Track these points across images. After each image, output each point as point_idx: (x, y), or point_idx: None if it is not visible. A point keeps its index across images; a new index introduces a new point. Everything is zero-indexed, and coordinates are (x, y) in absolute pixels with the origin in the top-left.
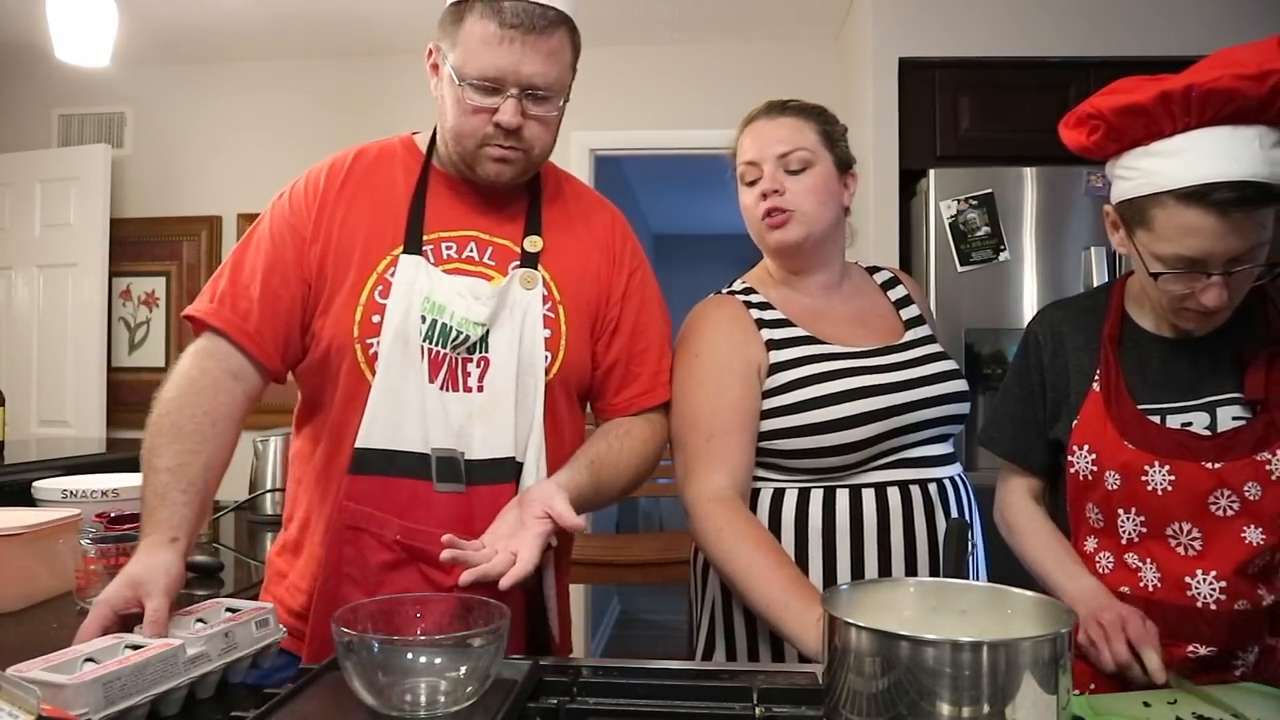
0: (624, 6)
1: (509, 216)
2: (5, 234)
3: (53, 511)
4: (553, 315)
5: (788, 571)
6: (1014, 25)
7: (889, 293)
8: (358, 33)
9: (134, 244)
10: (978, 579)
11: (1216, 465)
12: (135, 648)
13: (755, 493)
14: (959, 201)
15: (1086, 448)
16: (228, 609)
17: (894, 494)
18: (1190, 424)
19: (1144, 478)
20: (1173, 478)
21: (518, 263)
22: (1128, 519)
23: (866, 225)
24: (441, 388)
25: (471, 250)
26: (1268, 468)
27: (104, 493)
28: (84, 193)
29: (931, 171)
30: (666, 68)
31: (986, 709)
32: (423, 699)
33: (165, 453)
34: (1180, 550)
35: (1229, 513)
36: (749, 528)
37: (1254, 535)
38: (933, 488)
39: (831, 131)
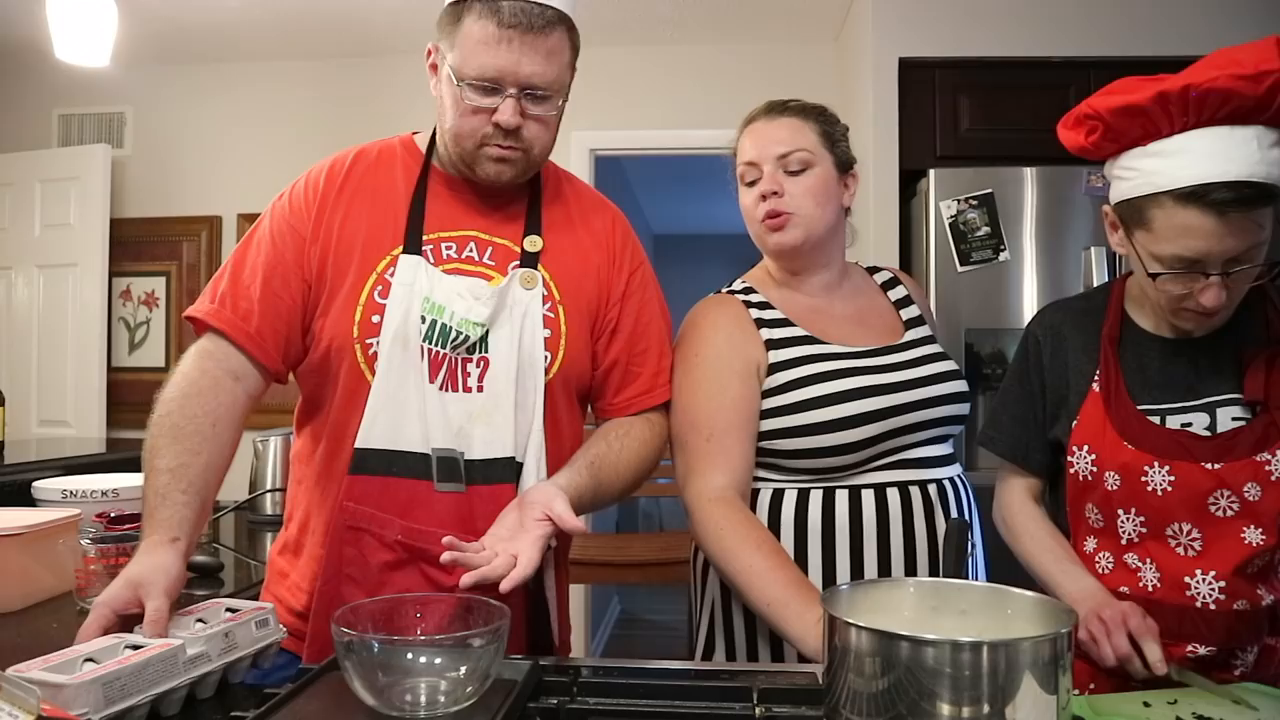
0: (624, 6)
1: (509, 216)
2: (5, 234)
3: (53, 511)
4: (552, 315)
5: (788, 572)
6: (1014, 25)
7: (889, 293)
8: (358, 33)
9: (134, 244)
10: (978, 579)
11: (1216, 466)
12: (135, 648)
13: (755, 493)
14: (959, 201)
15: (1086, 448)
16: (228, 609)
17: (893, 495)
18: (1190, 424)
19: (1144, 478)
20: (1172, 478)
21: (517, 263)
22: (1127, 519)
23: (866, 225)
24: (441, 388)
25: (471, 250)
26: (1268, 468)
27: (104, 493)
28: (84, 193)
29: (931, 171)
30: (666, 68)
31: (986, 709)
32: (423, 699)
33: (166, 453)
34: (1180, 550)
35: (1229, 513)
36: (749, 528)
37: (1254, 535)
38: (932, 488)
39: (832, 132)
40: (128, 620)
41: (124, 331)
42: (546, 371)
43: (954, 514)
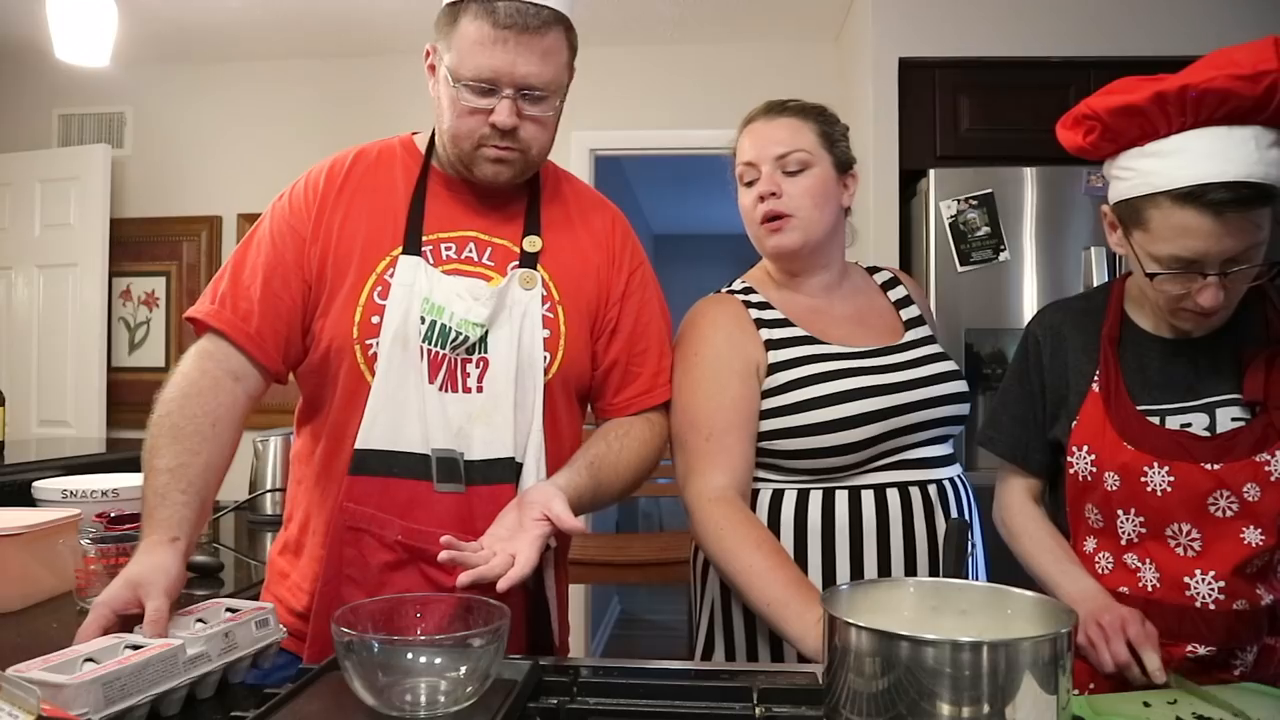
0: (625, 6)
1: (508, 217)
2: (5, 234)
3: (53, 511)
4: (552, 315)
5: (788, 572)
6: (1014, 25)
7: (889, 293)
8: (358, 33)
9: (134, 244)
10: (978, 579)
11: (1215, 466)
12: (135, 648)
13: (754, 493)
14: (959, 201)
15: (1086, 448)
16: (228, 609)
17: (893, 495)
18: (1189, 425)
19: (1143, 479)
20: (1172, 479)
21: (517, 263)
22: (1127, 520)
23: (866, 225)
24: (441, 388)
25: (471, 251)
26: (1267, 469)
27: (104, 493)
28: (84, 193)
29: (931, 171)
30: (666, 68)
31: (986, 709)
32: (423, 699)
33: (165, 453)
34: (1179, 551)
35: (1228, 514)
36: (749, 528)
37: (1253, 536)
38: (932, 489)
39: (831, 132)
40: (128, 620)
41: (124, 331)
42: (546, 372)
43: (954, 514)
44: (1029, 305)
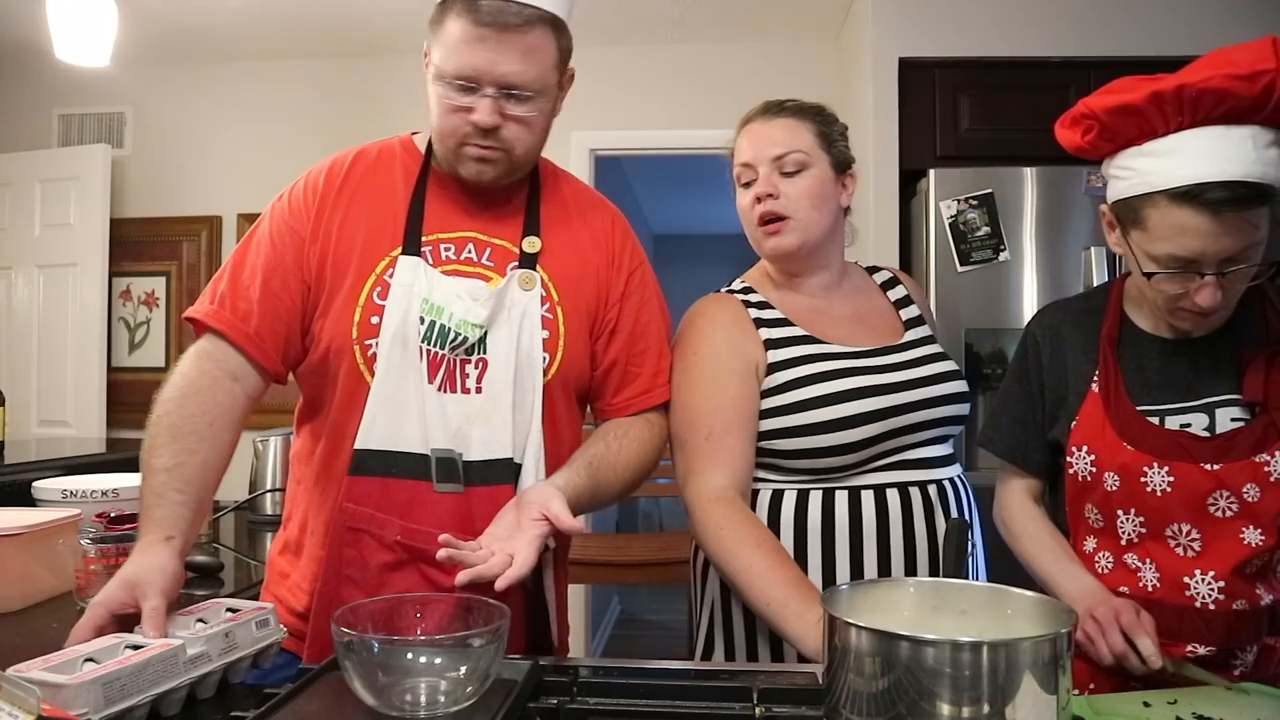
0: (624, 6)
1: (507, 217)
2: (5, 234)
3: (53, 511)
4: (551, 316)
5: (788, 572)
6: (1014, 25)
7: (889, 293)
8: (358, 33)
9: (134, 244)
10: (978, 579)
11: (1215, 467)
12: (136, 648)
13: (754, 494)
14: (959, 201)
15: (1085, 448)
16: (228, 609)
17: (893, 496)
18: (1189, 425)
19: (1143, 479)
20: (1172, 479)
21: (516, 263)
22: (1127, 520)
23: (866, 225)
24: (440, 389)
25: (470, 251)
26: (1266, 469)
27: (104, 493)
28: (84, 193)
29: (931, 171)
30: (666, 68)
31: (986, 709)
32: (423, 699)
33: (163, 452)
34: (1179, 551)
35: (1228, 514)
36: (749, 528)
37: (1253, 536)
38: (932, 489)
39: (829, 132)
40: (126, 621)
41: (124, 331)
42: (545, 372)
43: (954, 514)
44: (1029, 305)
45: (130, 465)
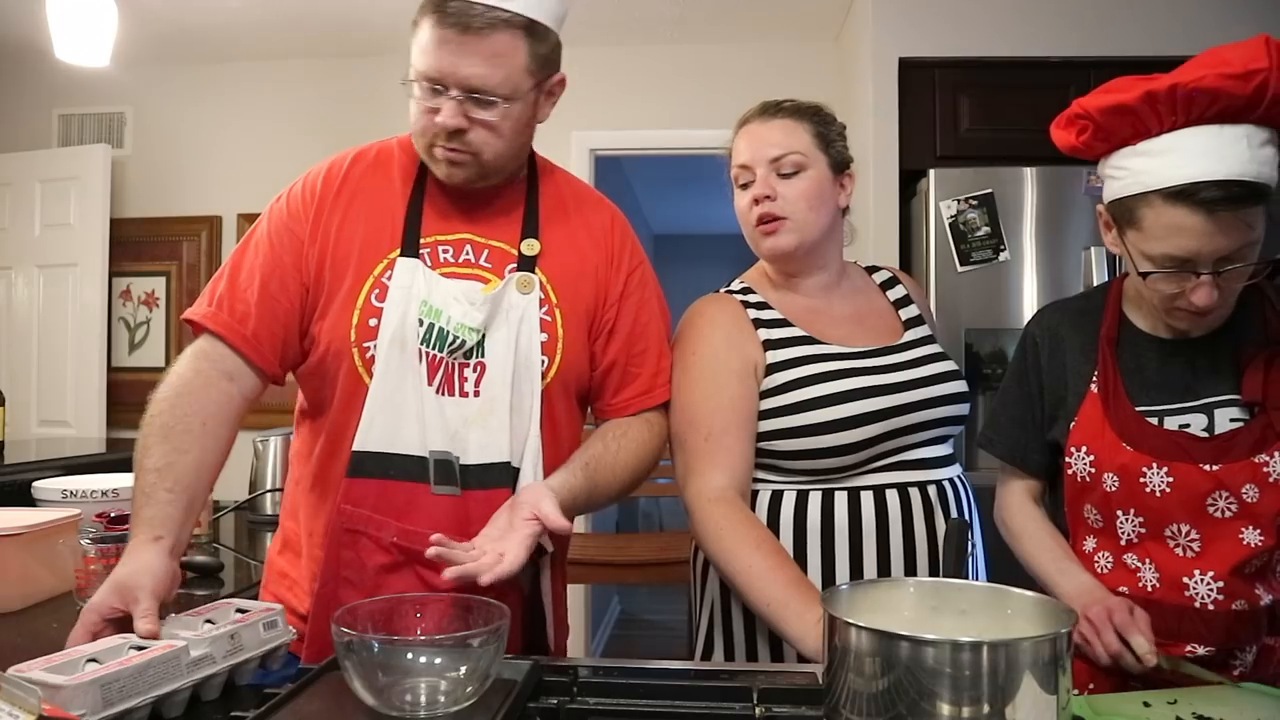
0: (624, 6)
1: (506, 218)
2: (5, 234)
3: (53, 511)
4: (550, 319)
5: (788, 572)
6: (1014, 25)
7: (888, 292)
8: (358, 33)
9: (134, 244)
10: (978, 579)
11: (1214, 467)
12: (141, 649)
13: (753, 494)
14: (959, 201)
15: (1084, 449)
16: (238, 609)
17: (893, 496)
18: (1188, 425)
19: (1142, 479)
20: (1171, 479)
21: (514, 265)
22: (1126, 520)
23: (866, 225)
24: (438, 391)
25: (468, 253)
26: (1265, 469)
27: (104, 493)
28: (84, 193)
29: (931, 171)
30: (666, 68)
31: (986, 709)
32: (423, 699)
33: (154, 452)
34: (1179, 551)
35: (1227, 514)
36: (749, 528)
37: (1252, 536)
38: (932, 490)
39: (826, 132)
40: (122, 625)
41: (124, 331)
42: (544, 376)
43: (953, 515)
44: (1029, 305)
45: (130, 465)
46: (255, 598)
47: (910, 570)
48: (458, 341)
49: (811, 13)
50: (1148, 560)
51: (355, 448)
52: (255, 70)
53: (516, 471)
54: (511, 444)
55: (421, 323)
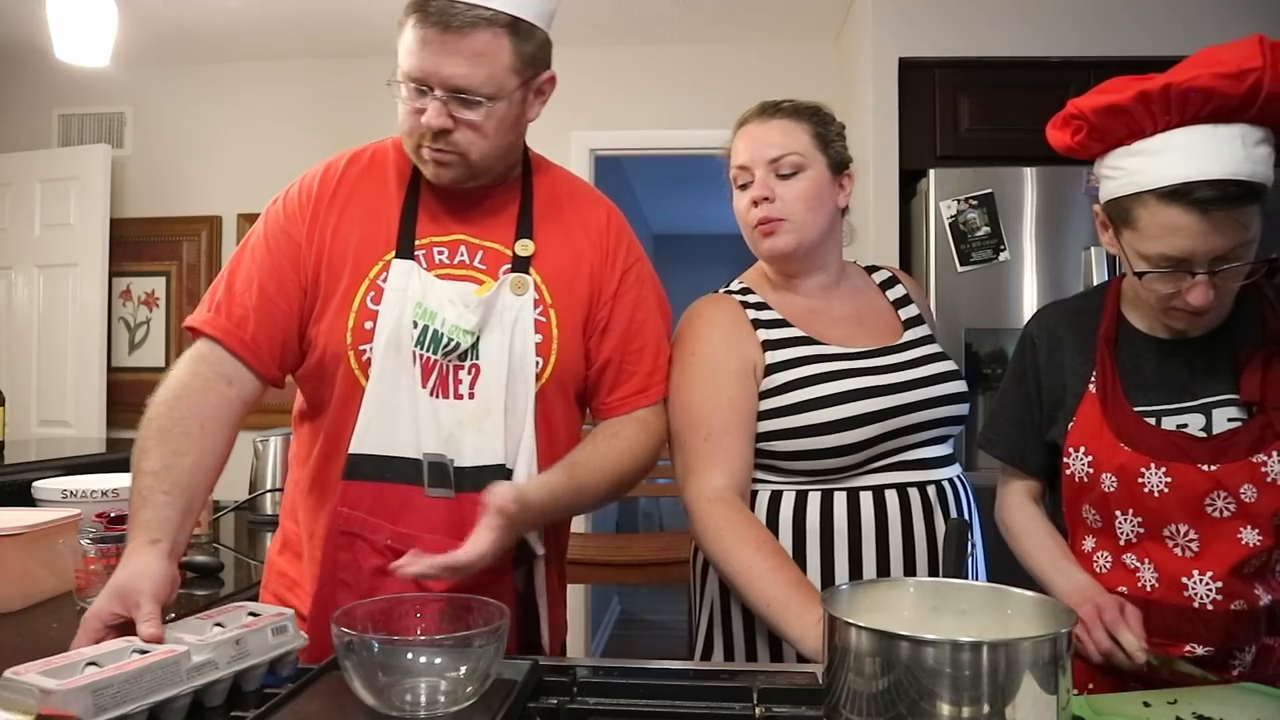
0: (624, 6)
1: (500, 219)
2: (5, 234)
3: (53, 511)
4: (544, 319)
5: (788, 573)
6: (1014, 25)
7: (887, 292)
8: (358, 33)
9: (134, 244)
10: (978, 579)
11: (1212, 467)
12: (145, 653)
13: (753, 494)
14: (959, 201)
15: (1083, 449)
16: (250, 613)
17: (892, 497)
18: (1185, 425)
19: (1140, 480)
20: (1169, 480)
21: (509, 266)
22: (1125, 520)
23: (866, 225)
24: (432, 394)
25: (463, 255)
26: (1263, 469)
27: (104, 493)
28: (84, 193)
29: (931, 171)
30: (666, 68)
31: (986, 709)
32: (423, 699)
33: (151, 455)
34: (1177, 551)
35: (1225, 514)
36: (749, 529)
37: (1250, 536)
38: (931, 490)
39: (825, 133)
40: (124, 631)
41: (124, 331)
42: (539, 377)
43: (953, 515)
44: (1029, 305)
45: (130, 465)
46: (255, 598)
47: (910, 570)
48: (452, 344)
49: (811, 13)
50: (1147, 560)
51: (351, 450)
52: (255, 70)
53: (511, 474)
54: (506, 446)
55: (416, 325)
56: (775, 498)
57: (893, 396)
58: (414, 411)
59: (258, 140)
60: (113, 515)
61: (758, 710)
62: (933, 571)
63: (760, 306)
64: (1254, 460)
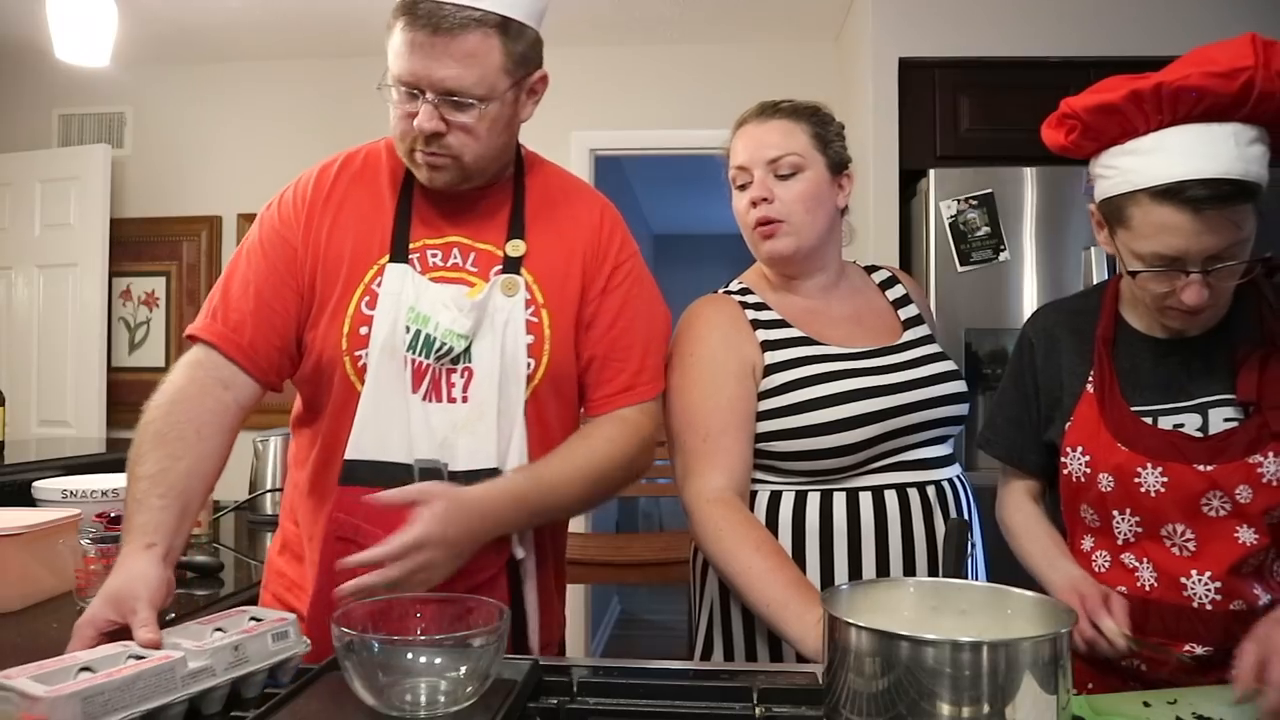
0: (624, 6)
1: (493, 219)
2: (5, 234)
3: (53, 511)
4: (536, 320)
5: (787, 573)
6: (1014, 25)
7: (887, 292)
8: (357, 33)
9: (134, 244)
10: (978, 579)
11: (1208, 468)
12: (141, 658)
13: (752, 495)
14: (959, 201)
15: (1080, 449)
16: (252, 618)
17: (892, 497)
18: (1182, 425)
19: (1136, 479)
20: (1165, 479)
21: (500, 267)
22: (1122, 520)
23: (866, 225)
24: (425, 398)
25: (455, 257)
26: (1259, 470)
27: (104, 493)
28: (84, 193)
29: (931, 171)
30: (666, 68)
31: (986, 709)
32: (423, 699)
33: (147, 459)
34: (1175, 551)
35: (1221, 514)
36: (749, 529)
37: (1247, 535)
38: (931, 490)
39: (824, 133)
40: (118, 638)
41: (124, 331)
42: (531, 379)
43: (953, 515)
44: (1029, 305)
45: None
46: (255, 597)
47: (910, 570)
48: (445, 348)
49: (811, 13)
50: (1145, 560)
51: (348, 456)
52: (255, 70)
53: None
54: (498, 449)
55: (409, 330)
56: (775, 498)
57: (892, 397)
58: (406, 417)
59: (258, 140)
60: (113, 515)
61: (758, 710)
62: (933, 571)
63: (759, 307)
64: (1250, 461)
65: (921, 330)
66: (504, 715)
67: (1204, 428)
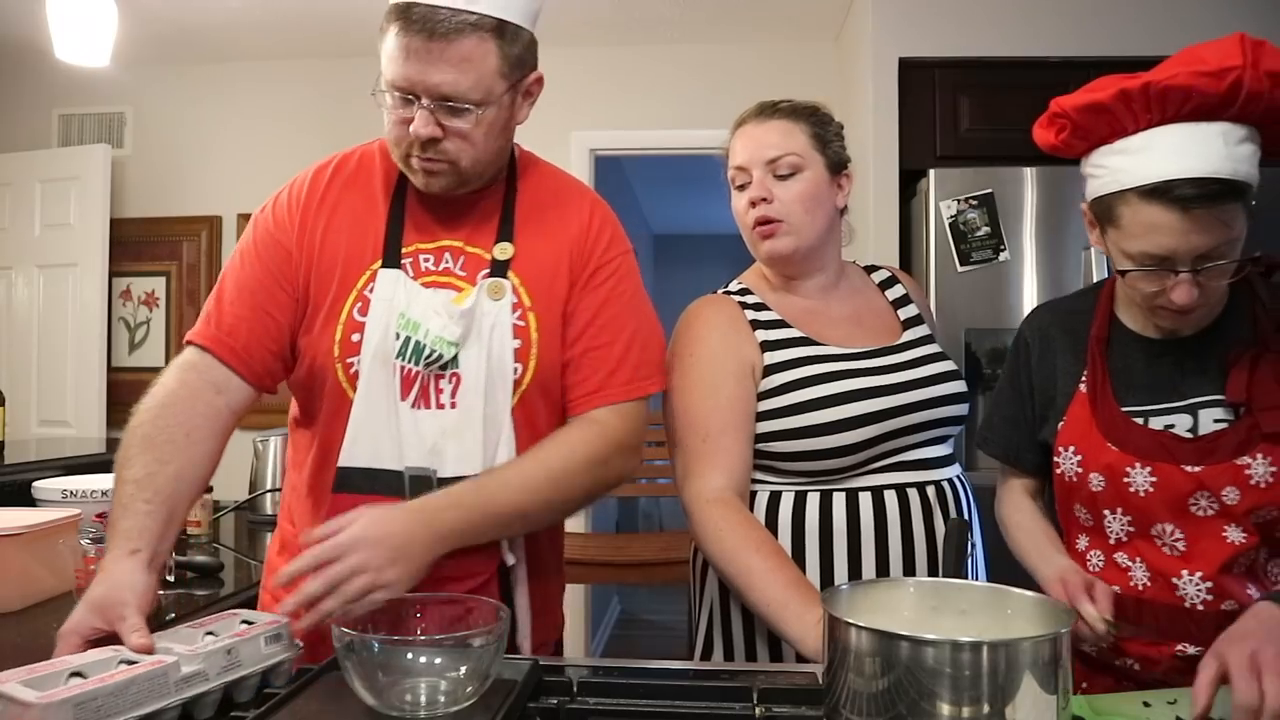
0: (624, 6)
1: (483, 223)
2: (5, 234)
3: (53, 511)
4: (523, 324)
5: (787, 573)
6: (1014, 25)
7: (887, 292)
8: (357, 33)
9: (134, 244)
10: (978, 579)
11: (1196, 469)
12: (133, 663)
13: (751, 495)
14: (959, 201)
15: (1072, 449)
16: (244, 621)
17: (891, 497)
18: (1172, 426)
19: (1126, 479)
20: (1154, 479)
21: (487, 271)
22: (1114, 519)
23: (866, 225)
24: (413, 405)
25: (447, 261)
26: (1247, 472)
27: (104, 493)
28: (84, 193)
29: (931, 171)
30: (666, 68)
31: (986, 709)
32: (423, 699)
33: (134, 463)
34: (1165, 550)
35: (1209, 513)
36: (749, 529)
37: (1235, 534)
38: (931, 490)
39: (823, 133)
40: (104, 644)
41: (124, 331)
42: (518, 383)
43: (953, 515)
44: (1029, 305)
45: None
46: (255, 597)
47: (910, 570)
48: (434, 355)
49: (811, 13)
50: (1138, 559)
51: (340, 463)
52: (255, 70)
53: None
54: (484, 455)
55: (399, 336)
56: (774, 498)
57: (892, 397)
58: (396, 424)
59: (257, 140)
60: None
61: (758, 710)
62: (932, 571)
63: (759, 307)
64: (1238, 463)
65: (921, 330)
66: (504, 715)
67: (1194, 428)
